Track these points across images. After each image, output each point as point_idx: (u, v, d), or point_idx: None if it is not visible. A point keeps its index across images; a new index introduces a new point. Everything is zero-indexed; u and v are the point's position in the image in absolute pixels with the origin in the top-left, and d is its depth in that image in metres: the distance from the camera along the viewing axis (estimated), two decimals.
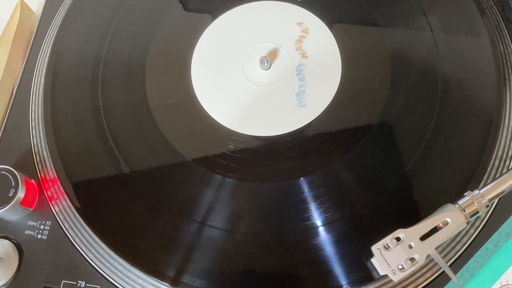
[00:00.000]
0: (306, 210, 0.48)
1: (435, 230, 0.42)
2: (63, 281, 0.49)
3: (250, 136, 0.53)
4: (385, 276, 0.42)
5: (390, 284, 0.46)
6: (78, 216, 0.51)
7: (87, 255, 0.50)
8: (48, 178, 0.53)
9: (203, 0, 0.63)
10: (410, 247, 0.42)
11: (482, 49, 0.54)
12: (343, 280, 0.46)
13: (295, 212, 0.49)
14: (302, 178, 0.50)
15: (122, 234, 0.49)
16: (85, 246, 0.50)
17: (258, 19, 0.60)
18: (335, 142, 0.52)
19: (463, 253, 0.48)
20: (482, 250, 0.47)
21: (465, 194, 0.44)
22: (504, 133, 0.51)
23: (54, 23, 0.63)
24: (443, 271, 0.46)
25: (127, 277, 0.48)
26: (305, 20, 0.59)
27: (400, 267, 0.41)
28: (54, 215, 0.52)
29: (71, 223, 0.51)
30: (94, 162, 0.53)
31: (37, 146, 0.55)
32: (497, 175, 0.49)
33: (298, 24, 0.58)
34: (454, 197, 0.44)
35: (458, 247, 0.48)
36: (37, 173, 0.54)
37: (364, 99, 0.54)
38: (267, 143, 0.53)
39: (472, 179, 0.48)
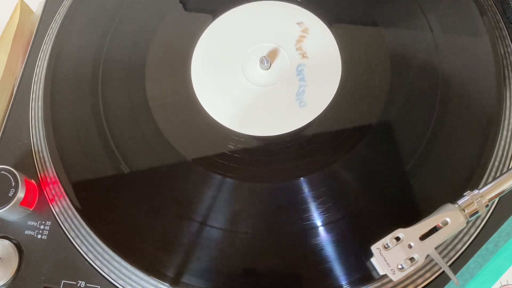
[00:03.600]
0: (306, 210, 0.48)
1: (434, 230, 0.42)
2: (63, 281, 0.49)
3: (250, 136, 0.53)
4: (385, 276, 0.42)
5: (390, 284, 0.46)
6: (78, 216, 0.51)
7: (87, 255, 0.50)
8: (48, 178, 0.53)
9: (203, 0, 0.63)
10: (410, 246, 0.42)
11: (482, 49, 0.54)
12: (343, 280, 0.46)
13: (294, 212, 0.49)
14: (302, 178, 0.50)
15: (122, 234, 0.49)
16: (85, 246, 0.50)
17: (258, 19, 0.60)
18: (335, 142, 0.52)
19: (463, 253, 0.48)
20: (482, 250, 0.47)
21: (464, 194, 0.44)
22: (504, 133, 0.51)
23: (54, 23, 0.63)
24: (443, 271, 0.46)
25: (127, 277, 0.48)
26: (305, 20, 0.59)
27: (400, 266, 0.41)
28: (54, 215, 0.52)
29: (71, 223, 0.51)
30: (94, 162, 0.53)
31: (37, 146, 0.55)
32: (497, 175, 0.49)
33: (298, 24, 0.58)
34: (454, 197, 0.44)
35: (458, 247, 0.48)
36: (37, 173, 0.54)
37: (364, 99, 0.54)
38: (267, 143, 0.53)
39: (472, 178, 0.48)
